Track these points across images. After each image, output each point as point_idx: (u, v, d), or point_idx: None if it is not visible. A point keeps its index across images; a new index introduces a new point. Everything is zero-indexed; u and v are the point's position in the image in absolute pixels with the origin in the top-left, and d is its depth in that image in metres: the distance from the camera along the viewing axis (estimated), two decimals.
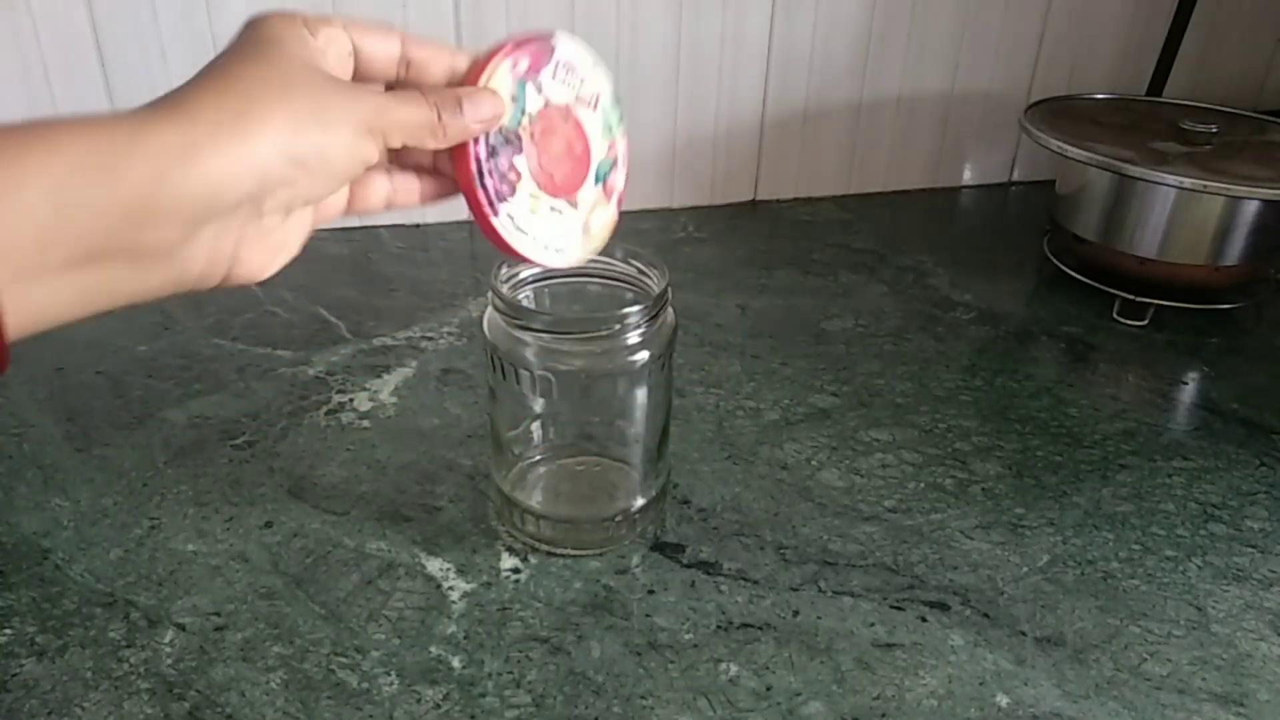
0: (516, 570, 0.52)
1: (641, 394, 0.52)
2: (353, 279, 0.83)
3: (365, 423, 0.64)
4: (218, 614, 0.49)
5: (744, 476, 0.60)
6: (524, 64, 0.42)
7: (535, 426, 0.56)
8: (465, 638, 0.48)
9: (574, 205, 0.44)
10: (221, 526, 0.55)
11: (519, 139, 0.41)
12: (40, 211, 0.28)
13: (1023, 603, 0.52)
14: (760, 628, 0.49)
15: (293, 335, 0.74)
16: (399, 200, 0.42)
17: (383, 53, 0.39)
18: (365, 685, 0.45)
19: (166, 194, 0.30)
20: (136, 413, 0.65)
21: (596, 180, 0.45)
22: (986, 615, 0.51)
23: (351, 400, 0.67)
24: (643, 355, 0.49)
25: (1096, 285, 0.82)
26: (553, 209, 0.43)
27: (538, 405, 0.54)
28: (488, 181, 0.40)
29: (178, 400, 0.66)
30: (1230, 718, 0.46)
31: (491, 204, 0.41)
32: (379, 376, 0.69)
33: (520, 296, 0.52)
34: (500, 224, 0.41)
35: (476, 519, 0.56)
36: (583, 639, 0.48)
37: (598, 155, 0.45)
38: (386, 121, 0.36)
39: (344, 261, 0.86)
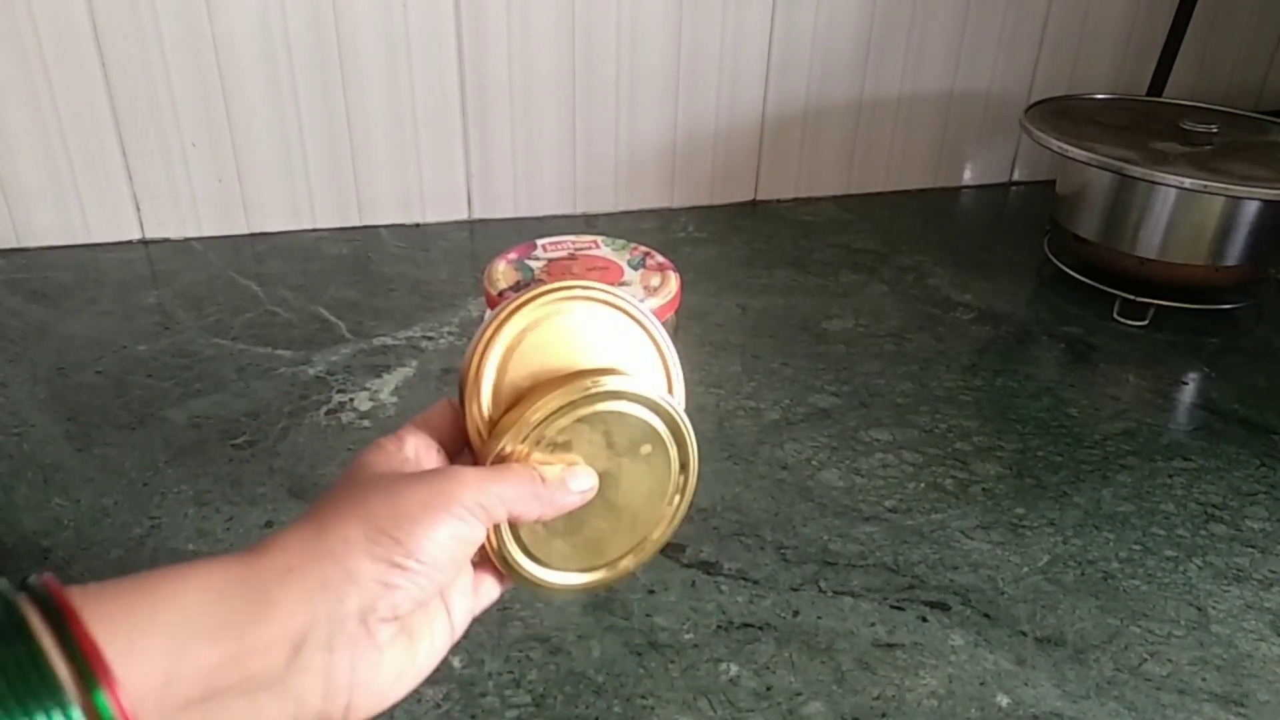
0: None
1: None
2: (353, 279, 0.83)
3: (365, 422, 0.64)
4: None
5: (744, 476, 0.60)
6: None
7: None
8: (465, 637, 0.48)
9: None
10: (221, 526, 0.55)
11: None
12: (162, 651, 0.28)
13: (1023, 603, 0.52)
14: (760, 628, 0.49)
15: (293, 335, 0.74)
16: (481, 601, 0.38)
17: (452, 429, 0.37)
18: None
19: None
20: (136, 413, 0.65)
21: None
22: (987, 615, 0.51)
23: (352, 400, 0.67)
24: None
25: (1097, 285, 0.82)
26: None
27: None
28: None
29: (178, 400, 0.66)
30: (1230, 718, 0.46)
31: None
32: (379, 376, 0.69)
33: None
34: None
35: None
36: (583, 639, 0.48)
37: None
38: (488, 495, 0.34)
39: (344, 261, 0.86)
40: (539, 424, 0.36)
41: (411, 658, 0.33)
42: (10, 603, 0.26)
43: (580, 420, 0.36)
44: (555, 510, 0.36)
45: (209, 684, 0.28)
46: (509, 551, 0.37)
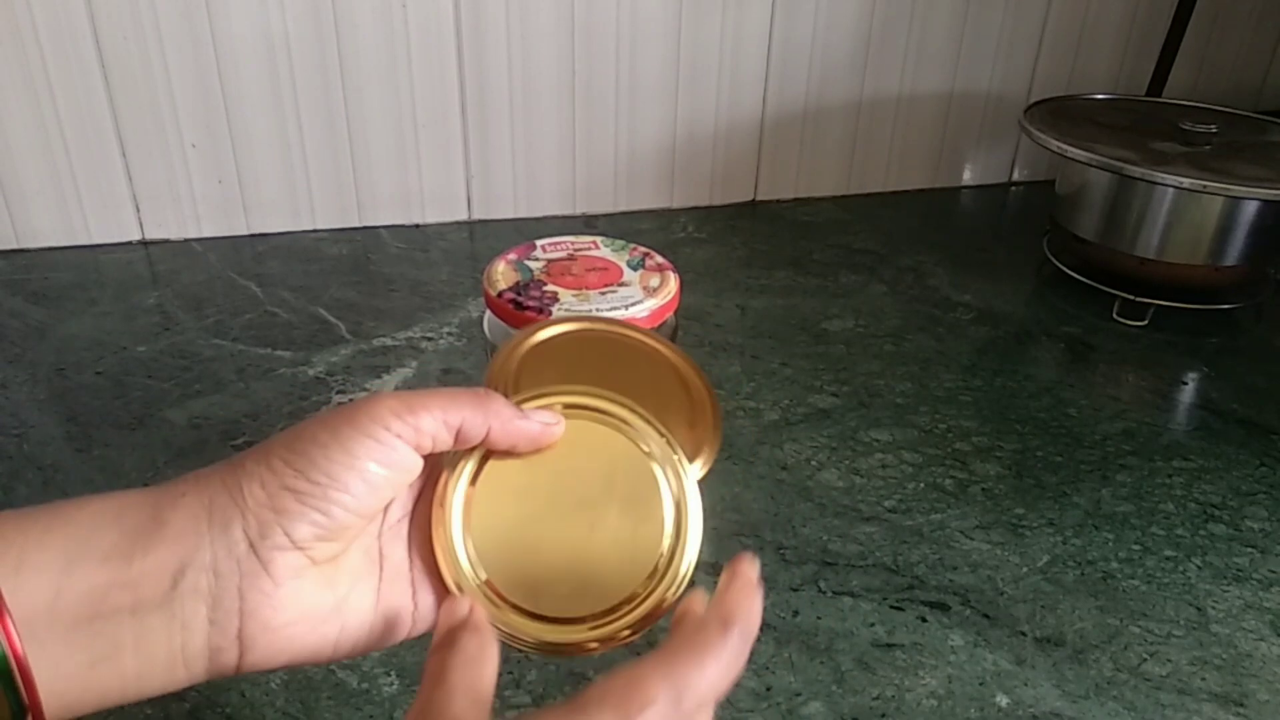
0: None
1: None
2: (353, 279, 0.83)
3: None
4: None
5: (744, 477, 0.60)
6: None
7: None
8: None
9: None
10: None
11: None
12: (52, 570, 0.28)
13: (1023, 603, 0.52)
14: (760, 628, 0.49)
15: (293, 335, 0.74)
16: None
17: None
18: (365, 686, 0.45)
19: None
20: (136, 413, 0.65)
21: None
22: (986, 615, 0.51)
23: (351, 400, 0.66)
24: None
25: (1096, 285, 0.82)
26: None
27: None
28: None
29: (178, 400, 0.66)
30: (1230, 718, 0.46)
31: None
32: (379, 377, 0.69)
33: None
34: None
35: None
36: None
37: None
38: (413, 404, 0.31)
39: (344, 261, 0.86)
40: (555, 393, 0.34)
41: (326, 602, 0.31)
42: None
43: (593, 419, 0.34)
44: (506, 430, 0.33)
45: (99, 604, 0.28)
46: (449, 499, 0.33)
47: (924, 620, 0.50)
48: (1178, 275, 0.79)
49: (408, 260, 0.87)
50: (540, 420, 0.34)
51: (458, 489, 0.33)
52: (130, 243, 0.88)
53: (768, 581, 0.52)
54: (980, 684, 0.47)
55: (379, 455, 0.30)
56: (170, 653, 0.29)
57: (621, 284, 0.48)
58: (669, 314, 0.49)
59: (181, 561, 0.29)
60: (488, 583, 0.33)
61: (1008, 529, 0.57)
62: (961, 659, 0.48)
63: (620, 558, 0.33)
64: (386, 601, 0.33)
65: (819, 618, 0.50)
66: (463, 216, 0.95)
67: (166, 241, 0.88)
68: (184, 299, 0.79)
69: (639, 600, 0.33)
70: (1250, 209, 0.76)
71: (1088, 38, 1.04)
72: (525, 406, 0.34)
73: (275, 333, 0.75)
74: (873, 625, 0.50)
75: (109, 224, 0.87)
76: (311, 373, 0.69)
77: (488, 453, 0.34)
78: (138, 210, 0.87)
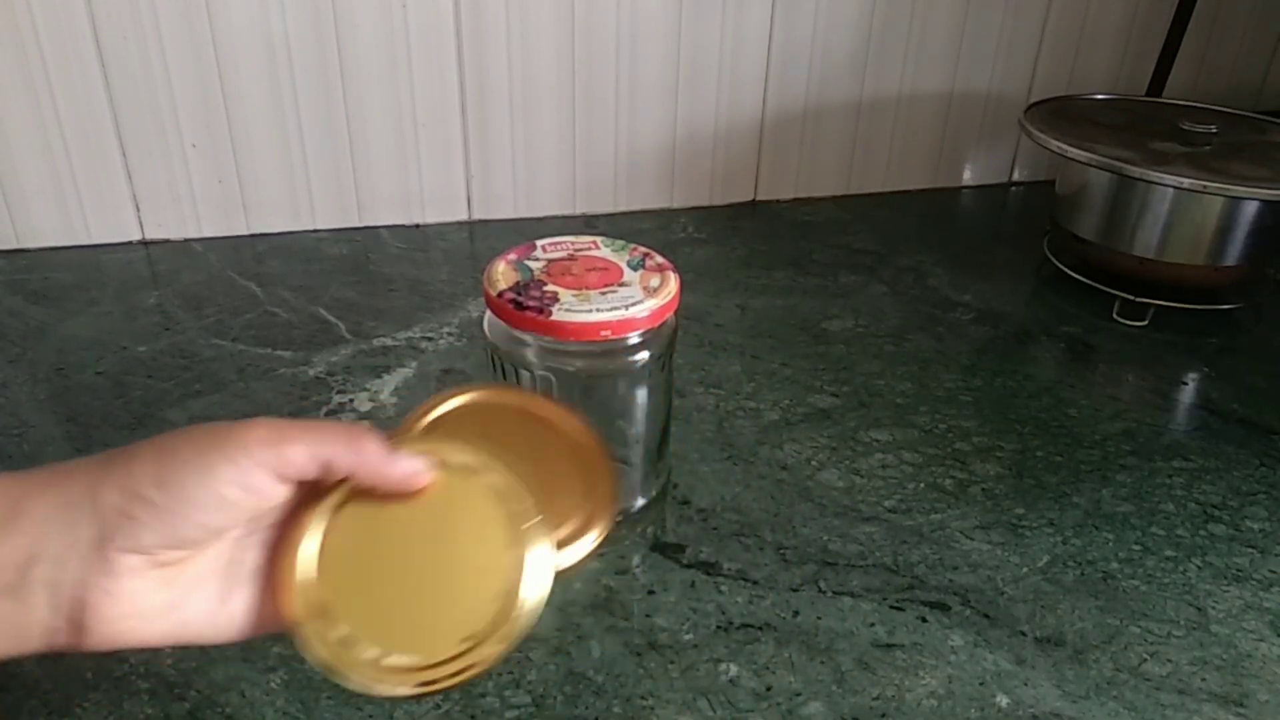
0: None
1: (642, 394, 0.52)
2: (353, 279, 0.83)
3: (365, 423, 0.64)
4: None
5: (744, 476, 0.60)
6: None
7: None
8: None
9: None
10: None
11: None
12: None
13: (1023, 603, 0.52)
14: (760, 628, 0.49)
15: (293, 335, 0.74)
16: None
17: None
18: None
19: None
20: (136, 413, 0.65)
21: None
22: (986, 615, 0.51)
23: (351, 400, 0.67)
24: (643, 356, 0.49)
25: (1096, 285, 0.82)
26: None
27: None
28: None
29: (178, 400, 0.66)
30: (1230, 718, 0.46)
31: None
32: (379, 377, 0.69)
33: None
34: None
35: None
36: (583, 639, 0.48)
37: None
38: (282, 434, 0.32)
39: (344, 261, 0.86)
40: (435, 447, 0.36)
41: (162, 601, 0.32)
42: None
43: (464, 476, 0.36)
44: (372, 471, 0.34)
45: None
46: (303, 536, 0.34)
47: (924, 620, 0.50)
48: (1178, 275, 0.79)
49: (408, 260, 0.87)
50: (408, 466, 0.35)
51: (316, 517, 0.35)
52: (130, 243, 0.88)
53: (768, 581, 0.52)
54: (980, 684, 0.47)
55: (239, 481, 0.32)
56: (12, 630, 0.31)
57: (622, 284, 0.48)
58: (669, 314, 0.49)
59: (31, 552, 0.31)
60: (321, 606, 0.34)
61: (1008, 529, 0.57)
62: (962, 659, 0.48)
63: (449, 615, 0.34)
64: (233, 603, 0.34)
65: (819, 618, 0.50)
66: (463, 216, 0.95)
67: (166, 241, 0.88)
68: (184, 299, 0.79)
69: (454, 658, 0.33)
70: (1250, 209, 0.76)
71: (1088, 38, 1.04)
72: (401, 452, 0.35)
73: (275, 333, 0.75)
74: (873, 625, 0.50)
75: (109, 224, 0.87)
76: (311, 373, 0.70)
77: (355, 489, 0.35)
78: (138, 210, 0.87)
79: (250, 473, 0.32)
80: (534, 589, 0.34)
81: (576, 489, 0.38)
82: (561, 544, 0.36)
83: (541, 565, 0.35)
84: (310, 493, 0.35)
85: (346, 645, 0.33)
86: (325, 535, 0.35)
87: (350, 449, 0.33)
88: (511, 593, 0.34)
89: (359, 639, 0.33)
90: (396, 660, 0.33)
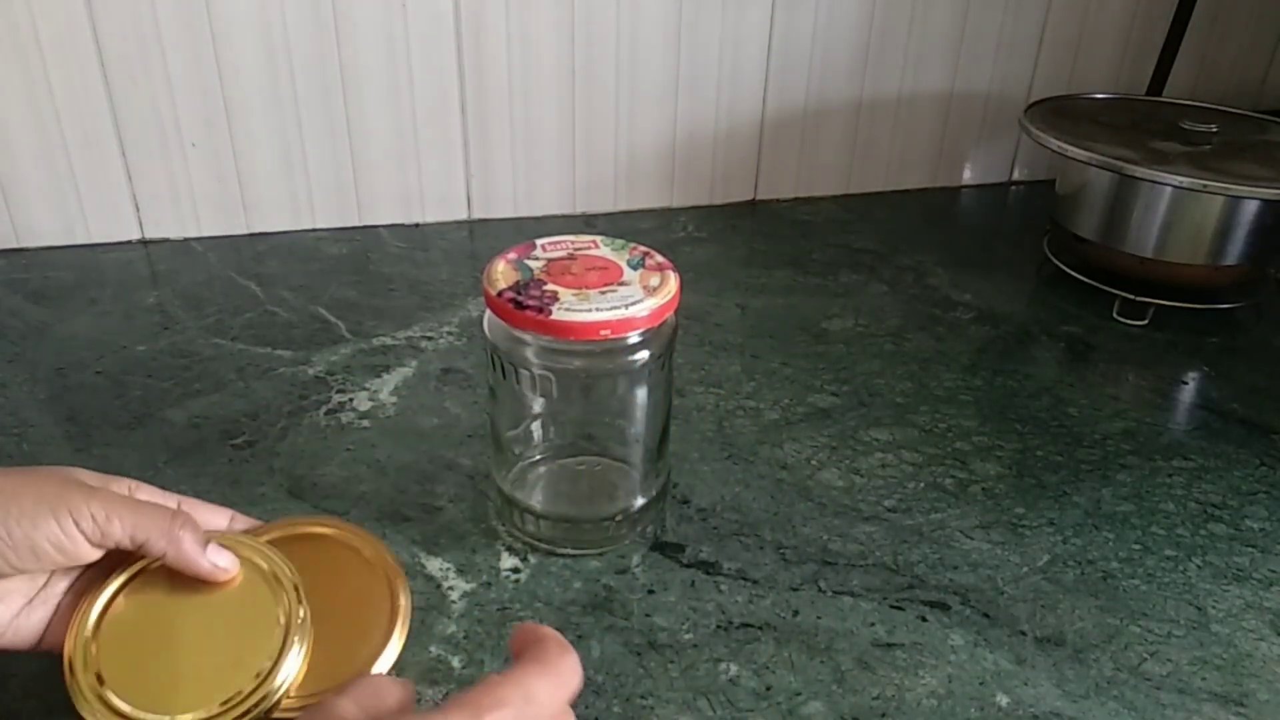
0: (516, 570, 0.52)
1: (641, 394, 0.52)
2: (353, 278, 0.83)
3: (365, 422, 0.64)
4: None
5: (744, 476, 0.60)
6: None
7: (535, 426, 0.56)
8: (465, 638, 0.48)
9: None
10: None
11: None
12: None
13: (1023, 603, 0.52)
14: (760, 628, 0.49)
15: (293, 335, 0.74)
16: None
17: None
18: None
19: None
20: (136, 413, 0.65)
21: None
22: (986, 615, 0.51)
23: (351, 400, 0.67)
24: (643, 355, 0.49)
25: (1096, 285, 0.82)
26: None
27: (538, 405, 0.54)
28: None
29: (178, 400, 0.66)
30: (1230, 718, 0.46)
31: None
32: (379, 376, 0.69)
33: None
34: None
35: (476, 519, 0.56)
36: (583, 639, 0.48)
37: None
38: (110, 510, 0.38)
39: (344, 261, 0.86)
40: (245, 545, 0.43)
41: None
42: None
43: (257, 573, 0.43)
44: (181, 556, 0.40)
45: None
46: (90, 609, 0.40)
47: (924, 620, 0.50)
48: (1178, 275, 0.79)
49: (408, 260, 0.87)
50: (214, 562, 0.41)
51: (119, 577, 0.41)
52: (130, 242, 0.88)
53: (768, 581, 0.52)
54: (980, 683, 0.47)
55: (59, 543, 0.37)
56: None
57: (621, 283, 0.48)
58: (669, 313, 0.49)
59: None
60: (91, 656, 0.39)
61: (1008, 528, 0.57)
62: (962, 658, 0.48)
63: (203, 684, 0.39)
64: (33, 617, 0.40)
65: (819, 617, 0.50)
66: (462, 216, 0.95)
67: (166, 241, 0.88)
68: (184, 298, 0.79)
69: None
70: (1250, 209, 0.76)
71: (1088, 38, 1.04)
72: (217, 543, 0.42)
73: (275, 332, 0.75)
74: (873, 625, 0.50)
75: (109, 223, 0.87)
76: (311, 372, 0.69)
77: (160, 565, 0.41)
78: (138, 210, 0.87)
79: (73, 538, 0.37)
80: (285, 674, 0.40)
81: (381, 608, 0.45)
82: (365, 652, 0.43)
83: (296, 658, 0.40)
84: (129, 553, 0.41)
85: (100, 695, 0.38)
86: (117, 593, 0.41)
87: (165, 538, 0.39)
88: (264, 674, 0.39)
89: (113, 691, 0.38)
90: (145, 717, 0.38)
